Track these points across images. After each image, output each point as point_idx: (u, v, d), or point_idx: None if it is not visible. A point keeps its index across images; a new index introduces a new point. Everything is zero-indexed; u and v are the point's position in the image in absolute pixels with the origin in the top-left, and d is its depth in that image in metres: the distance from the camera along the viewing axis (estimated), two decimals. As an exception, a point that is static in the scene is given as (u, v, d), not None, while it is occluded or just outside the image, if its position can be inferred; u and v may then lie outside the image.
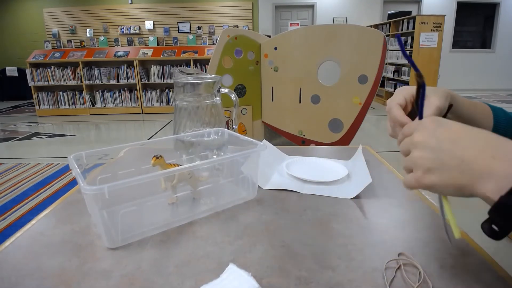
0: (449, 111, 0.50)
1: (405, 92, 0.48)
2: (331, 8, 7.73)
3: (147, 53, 5.73)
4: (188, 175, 0.62)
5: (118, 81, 5.65)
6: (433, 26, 5.07)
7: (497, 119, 0.55)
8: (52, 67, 5.56)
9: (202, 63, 5.76)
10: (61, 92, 5.66)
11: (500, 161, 0.30)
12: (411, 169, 0.38)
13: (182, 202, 0.64)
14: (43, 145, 3.91)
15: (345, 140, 2.46)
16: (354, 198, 0.67)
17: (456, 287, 0.41)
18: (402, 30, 5.82)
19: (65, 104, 5.72)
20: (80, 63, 5.54)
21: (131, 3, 7.54)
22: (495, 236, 0.31)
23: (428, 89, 0.48)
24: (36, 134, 4.43)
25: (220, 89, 0.82)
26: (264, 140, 0.81)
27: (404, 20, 5.71)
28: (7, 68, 7.21)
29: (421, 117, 0.43)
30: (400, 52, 5.77)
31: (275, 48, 2.45)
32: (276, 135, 2.74)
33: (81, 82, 5.62)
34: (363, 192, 0.68)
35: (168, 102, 5.73)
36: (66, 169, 3.01)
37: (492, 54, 7.99)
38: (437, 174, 0.35)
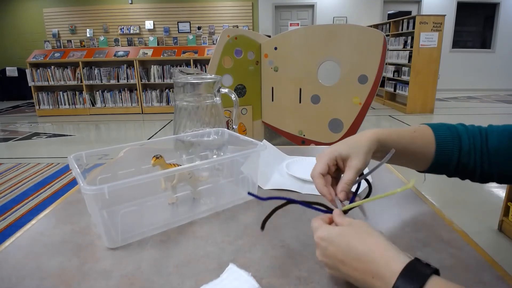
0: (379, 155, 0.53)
1: (327, 158, 0.50)
2: (331, 8, 7.72)
3: (147, 53, 5.73)
4: (188, 175, 0.62)
5: (118, 81, 5.65)
6: (433, 26, 5.07)
7: (438, 141, 0.55)
8: (52, 67, 5.56)
9: (202, 63, 5.76)
10: (61, 92, 5.66)
11: (378, 281, 0.35)
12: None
13: (182, 202, 0.64)
14: (43, 145, 3.91)
15: (345, 140, 2.45)
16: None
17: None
18: (402, 30, 5.82)
19: (65, 104, 5.72)
20: (80, 63, 5.54)
21: (131, 3, 7.54)
22: None
23: (352, 145, 0.51)
24: (36, 134, 4.43)
25: (220, 89, 0.82)
26: (264, 140, 0.81)
27: (404, 20, 5.70)
28: (7, 68, 7.21)
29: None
30: (400, 52, 5.77)
31: (275, 48, 2.45)
32: (276, 135, 2.74)
33: (81, 82, 5.62)
34: (363, 192, 0.68)
35: (168, 102, 5.73)
36: (66, 169, 3.01)
37: (492, 54, 7.99)
38: (346, 277, 0.40)
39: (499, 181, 0.55)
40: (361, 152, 0.50)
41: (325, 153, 0.51)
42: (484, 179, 0.56)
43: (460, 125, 0.57)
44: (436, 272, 0.34)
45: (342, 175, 0.51)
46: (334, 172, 0.52)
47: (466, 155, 0.54)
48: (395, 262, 0.35)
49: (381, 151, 0.53)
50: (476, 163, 0.54)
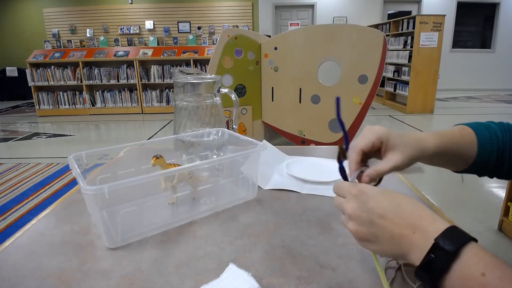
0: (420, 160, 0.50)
1: (375, 137, 0.46)
2: (331, 8, 7.72)
3: (147, 53, 5.73)
4: (188, 175, 0.62)
5: (118, 81, 5.65)
6: (433, 26, 5.07)
7: (480, 141, 0.54)
8: (52, 67, 5.56)
9: (202, 63, 5.76)
10: (61, 92, 5.66)
11: (419, 235, 0.35)
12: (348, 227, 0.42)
13: (182, 202, 0.64)
14: (43, 145, 3.91)
15: (345, 140, 2.45)
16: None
17: (456, 287, 0.41)
18: (402, 30, 5.82)
19: (65, 104, 5.72)
20: (80, 63, 5.54)
21: (131, 3, 7.54)
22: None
23: (405, 138, 0.47)
24: (36, 134, 4.43)
25: (220, 89, 0.82)
26: (264, 140, 0.81)
27: (404, 20, 5.70)
28: (7, 68, 7.21)
29: (345, 179, 0.46)
30: (400, 52, 5.77)
31: (275, 48, 2.45)
32: (276, 135, 2.74)
33: (81, 82, 5.62)
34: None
35: (168, 102, 5.73)
36: (66, 169, 3.01)
37: (492, 54, 7.99)
38: (373, 244, 0.40)
39: None
40: (410, 151, 0.46)
41: (375, 130, 0.47)
42: (510, 175, 0.55)
43: (492, 123, 0.56)
44: (475, 240, 0.34)
45: (376, 160, 0.48)
46: (371, 152, 0.48)
47: (501, 153, 0.54)
48: (441, 222, 0.35)
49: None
50: (510, 160, 0.54)
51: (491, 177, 0.57)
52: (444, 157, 0.52)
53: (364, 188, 0.41)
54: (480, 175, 0.57)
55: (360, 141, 0.47)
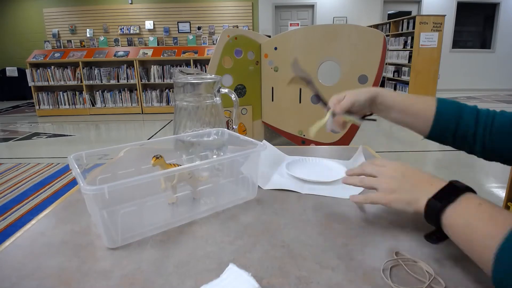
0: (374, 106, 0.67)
1: (353, 100, 0.67)
2: (331, 8, 7.73)
3: (147, 53, 5.73)
4: (188, 175, 0.62)
5: (118, 81, 5.65)
6: (433, 26, 5.07)
7: (439, 105, 0.62)
8: (52, 67, 5.56)
9: (202, 63, 5.76)
10: (61, 92, 5.66)
11: (433, 186, 0.48)
12: (375, 188, 0.53)
13: (182, 202, 0.64)
14: (43, 145, 3.91)
15: (345, 140, 2.46)
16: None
17: (456, 287, 0.41)
18: (402, 30, 5.82)
19: (65, 104, 5.72)
20: (80, 63, 5.54)
21: (131, 3, 7.54)
22: (435, 240, 0.47)
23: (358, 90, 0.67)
24: (36, 134, 4.43)
25: (220, 89, 0.82)
26: (264, 140, 0.81)
27: (404, 20, 5.71)
28: (7, 68, 7.22)
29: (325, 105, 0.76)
30: (400, 52, 5.77)
31: (275, 48, 2.45)
32: (276, 135, 2.74)
33: (81, 82, 5.62)
34: (362, 192, 0.68)
35: (168, 102, 5.73)
36: (66, 169, 3.01)
37: (492, 54, 7.99)
38: (395, 193, 0.51)
39: (505, 161, 0.59)
40: (370, 91, 0.66)
41: (352, 94, 0.68)
42: (487, 155, 0.60)
43: (472, 106, 0.62)
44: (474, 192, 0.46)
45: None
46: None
47: (465, 123, 0.60)
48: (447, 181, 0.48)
49: (380, 104, 0.66)
50: (477, 134, 0.59)
51: (467, 152, 0.64)
52: (399, 112, 0.65)
53: (399, 162, 0.55)
54: (451, 145, 0.64)
55: (344, 103, 0.68)
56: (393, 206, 0.50)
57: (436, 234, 0.47)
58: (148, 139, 4.02)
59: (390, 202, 0.51)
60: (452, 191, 0.45)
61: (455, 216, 0.43)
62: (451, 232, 0.44)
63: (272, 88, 2.56)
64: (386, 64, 6.09)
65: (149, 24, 7.58)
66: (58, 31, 7.61)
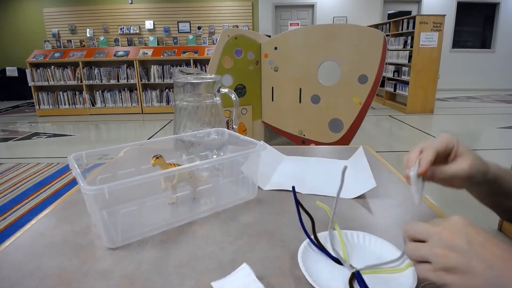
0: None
1: (447, 141, 0.47)
2: (331, 8, 7.72)
3: (147, 53, 5.73)
4: (188, 175, 0.62)
5: (118, 81, 5.65)
6: (433, 26, 5.07)
7: None
8: (52, 67, 5.56)
9: (202, 63, 5.76)
10: (61, 92, 5.66)
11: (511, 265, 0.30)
12: (428, 261, 0.35)
13: (182, 202, 0.64)
14: (43, 145, 3.91)
15: (345, 140, 2.46)
16: (354, 198, 0.67)
17: (456, 287, 0.41)
18: (402, 30, 5.81)
19: (65, 104, 5.72)
20: (80, 63, 5.54)
21: (131, 3, 7.54)
22: None
23: (467, 148, 0.47)
24: (36, 134, 4.43)
25: (220, 89, 0.82)
26: (262, 141, 0.81)
27: (404, 20, 5.70)
28: (7, 68, 7.21)
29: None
30: (400, 52, 5.77)
31: (275, 48, 2.45)
32: (276, 135, 2.74)
33: (81, 82, 5.62)
34: (363, 192, 0.68)
35: (168, 102, 5.73)
36: (66, 169, 3.01)
37: (492, 54, 7.99)
38: (460, 275, 0.33)
39: None
40: (477, 162, 0.45)
41: (448, 136, 0.47)
42: None
43: None
44: None
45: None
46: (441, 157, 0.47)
47: None
48: None
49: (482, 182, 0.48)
50: None
51: None
52: (500, 188, 0.49)
53: (462, 217, 0.36)
54: None
55: (435, 143, 0.46)
56: None
57: None
58: (148, 139, 4.02)
59: (444, 285, 0.34)
60: None
61: None
62: None
63: (272, 88, 2.56)
64: (386, 64, 6.09)
65: (149, 24, 7.58)
66: (58, 31, 7.61)
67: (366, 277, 0.41)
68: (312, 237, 0.49)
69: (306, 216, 0.53)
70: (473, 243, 0.33)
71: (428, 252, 0.35)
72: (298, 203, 0.52)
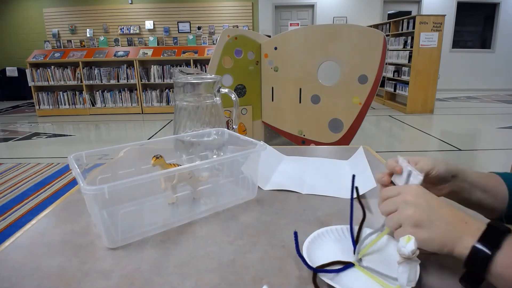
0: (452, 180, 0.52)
1: (433, 166, 0.51)
2: (331, 8, 7.73)
3: (147, 53, 5.73)
4: (188, 175, 0.62)
5: (118, 81, 5.65)
6: (433, 26, 5.07)
7: (510, 186, 0.54)
8: (52, 67, 5.56)
9: (202, 63, 5.76)
10: (61, 92, 5.66)
11: (469, 226, 0.41)
12: (400, 224, 0.43)
13: (182, 202, 0.64)
14: (43, 145, 3.91)
15: (345, 140, 2.46)
16: (354, 198, 0.67)
17: (455, 287, 0.41)
18: (402, 30, 5.82)
19: (65, 104, 5.72)
20: (80, 63, 5.54)
21: (131, 3, 7.54)
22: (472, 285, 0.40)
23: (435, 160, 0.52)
24: (36, 134, 4.43)
25: (220, 89, 0.82)
26: (262, 141, 0.81)
27: (404, 20, 5.71)
28: (7, 68, 7.21)
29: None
30: (400, 52, 5.77)
31: (275, 48, 2.45)
32: (276, 135, 2.74)
33: (81, 82, 5.62)
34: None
35: (168, 102, 5.73)
36: (66, 169, 3.01)
37: (492, 54, 8.00)
38: (426, 229, 0.41)
39: None
40: (450, 165, 0.52)
41: (428, 159, 0.52)
42: None
43: None
44: None
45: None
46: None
47: None
48: (482, 221, 0.41)
49: (463, 181, 0.53)
50: None
51: None
52: (481, 191, 0.53)
53: (419, 186, 0.46)
54: None
55: (425, 161, 0.52)
56: (422, 247, 0.41)
57: (471, 277, 0.40)
58: (148, 139, 4.02)
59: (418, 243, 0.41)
60: (497, 235, 0.38)
61: (508, 265, 0.37)
62: (503, 283, 0.37)
63: (272, 88, 2.56)
64: (386, 64, 6.09)
65: (149, 24, 7.58)
66: (58, 31, 7.61)
67: (370, 268, 0.45)
68: (357, 227, 0.52)
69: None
70: (430, 203, 0.43)
71: (400, 217, 0.43)
72: (356, 197, 0.53)
